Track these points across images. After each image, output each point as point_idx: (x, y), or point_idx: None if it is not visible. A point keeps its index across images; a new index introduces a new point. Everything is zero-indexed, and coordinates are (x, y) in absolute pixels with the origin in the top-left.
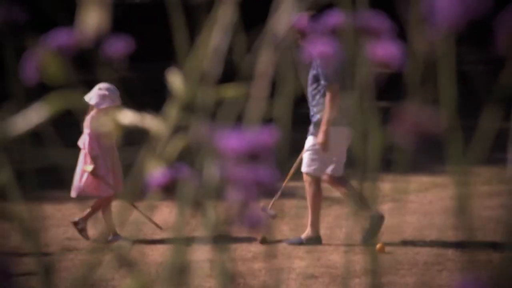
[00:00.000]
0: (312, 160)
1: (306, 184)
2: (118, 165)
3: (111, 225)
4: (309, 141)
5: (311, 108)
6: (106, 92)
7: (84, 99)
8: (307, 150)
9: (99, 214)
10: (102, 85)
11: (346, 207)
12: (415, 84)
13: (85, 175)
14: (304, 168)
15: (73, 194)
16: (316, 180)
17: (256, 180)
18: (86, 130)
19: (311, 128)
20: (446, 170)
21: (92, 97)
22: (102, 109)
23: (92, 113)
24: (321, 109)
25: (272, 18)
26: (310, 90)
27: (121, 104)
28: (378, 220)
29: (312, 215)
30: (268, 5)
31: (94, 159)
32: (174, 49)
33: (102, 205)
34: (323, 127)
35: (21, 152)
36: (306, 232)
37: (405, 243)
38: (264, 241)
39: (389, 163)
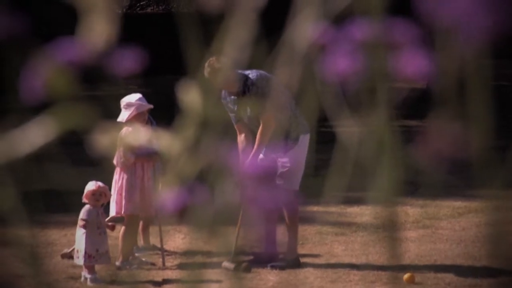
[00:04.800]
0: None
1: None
2: (150, 185)
3: (127, 249)
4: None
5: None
6: (129, 101)
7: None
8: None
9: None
10: (124, 98)
11: (372, 233)
12: (445, 101)
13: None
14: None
15: (112, 212)
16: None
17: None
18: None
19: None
20: (480, 194)
21: (120, 116)
22: (130, 120)
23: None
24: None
25: (292, 28)
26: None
27: (150, 108)
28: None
29: (294, 235)
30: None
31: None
32: (186, 63)
33: (128, 228)
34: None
35: (26, 172)
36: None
37: (436, 272)
38: (247, 269)
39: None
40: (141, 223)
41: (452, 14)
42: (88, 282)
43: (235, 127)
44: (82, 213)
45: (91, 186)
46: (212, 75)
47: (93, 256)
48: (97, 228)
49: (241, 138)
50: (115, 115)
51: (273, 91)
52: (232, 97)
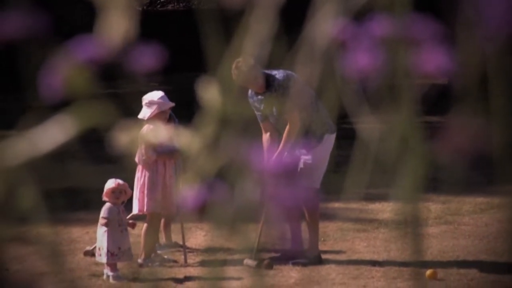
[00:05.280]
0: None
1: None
2: (172, 183)
3: (149, 246)
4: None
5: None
6: (151, 99)
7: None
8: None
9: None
10: (146, 95)
11: (394, 229)
12: (466, 97)
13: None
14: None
15: (135, 210)
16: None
17: (293, 200)
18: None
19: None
20: (502, 190)
21: (141, 113)
22: (152, 118)
23: (145, 126)
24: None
25: (311, 25)
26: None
27: (172, 106)
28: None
29: (315, 232)
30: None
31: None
32: (206, 60)
33: (150, 225)
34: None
35: (47, 171)
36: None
37: (459, 268)
38: (269, 266)
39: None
40: (162, 221)
41: (474, 9)
42: (111, 280)
43: (261, 125)
44: (103, 211)
45: (110, 184)
46: (239, 77)
47: (115, 253)
48: (118, 225)
49: (266, 136)
50: (135, 113)
51: (299, 90)
52: (259, 96)
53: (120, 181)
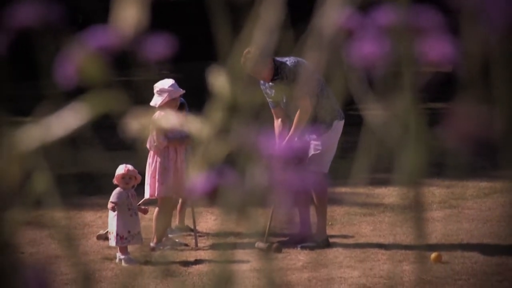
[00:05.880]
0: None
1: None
2: (182, 167)
3: (161, 230)
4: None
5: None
6: (162, 87)
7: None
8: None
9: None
10: (157, 83)
11: (399, 213)
12: (470, 84)
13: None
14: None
15: (147, 195)
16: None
17: (302, 185)
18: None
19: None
20: (505, 175)
21: (153, 100)
22: (163, 106)
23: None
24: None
25: (319, 14)
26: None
27: (182, 94)
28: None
29: (323, 216)
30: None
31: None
32: (217, 49)
33: (161, 210)
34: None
35: (59, 156)
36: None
37: (463, 252)
38: (278, 250)
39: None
40: (179, 205)
41: None
42: (123, 263)
43: (272, 112)
44: (112, 196)
45: (120, 170)
46: (248, 66)
47: (125, 237)
48: (127, 209)
49: (278, 122)
50: (147, 100)
51: (308, 77)
52: (270, 83)
53: (130, 167)
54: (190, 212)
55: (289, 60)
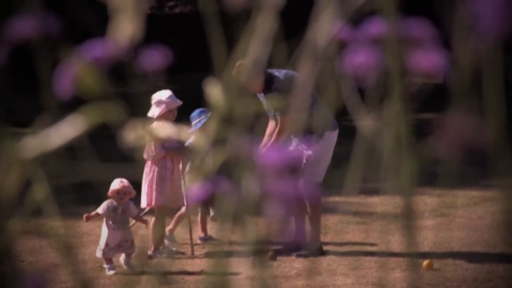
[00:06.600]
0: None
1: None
2: (178, 177)
3: (158, 239)
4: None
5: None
6: (160, 98)
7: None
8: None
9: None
10: (155, 95)
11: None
12: (460, 95)
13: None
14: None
15: (143, 204)
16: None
17: (297, 194)
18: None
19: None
20: (495, 184)
21: (150, 111)
22: (161, 117)
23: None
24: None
25: (312, 27)
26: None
27: (179, 105)
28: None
29: (317, 224)
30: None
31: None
32: (212, 60)
33: (158, 219)
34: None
35: (57, 167)
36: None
37: (454, 259)
38: (273, 258)
39: (435, 177)
40: (177, 215)
41: (468, 10)
42: (106, 272)
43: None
44: (100, 207)
45: (115, 185)
46: (240, 79)
47: (103, 249)
48: (111, 222)
49: (268, 131)
50: (144, 111)
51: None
52: (262, 94)
53: (126, 183)
54: (186, 221)
55: (279, 73)
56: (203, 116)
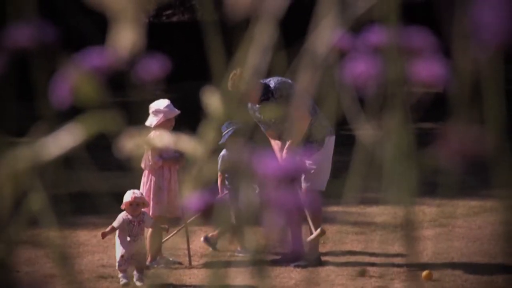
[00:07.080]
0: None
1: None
2: (176, 187)
3: (155, 249)
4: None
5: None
6: (158, 108)
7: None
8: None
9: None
10: (153, 104)
11: (391, 232)
12: (461, 104)
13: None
14: (311, 186)
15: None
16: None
17: (296, 203)
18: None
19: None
20: (495, 194)
21: (148, 120)
22: (158, 126)
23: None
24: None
25: (312, 36)
26: None
27: (177, 114)
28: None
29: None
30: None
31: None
32: (211, 69)
33: (155, 229)
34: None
35: (54, 176)
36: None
37: (453, 270)
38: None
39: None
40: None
41: (468, 19)
42: (120, 281)
43: (267, 134)
44: (116, 220)
45: (127, 197)
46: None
47: (119, 261)
48: (127, 236)
49: (274, 143)
50: (142, 120)
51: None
52: (257, 105)
53: (137, 194)
54: (184, 230)
55: (272, 80)
56: (230, 128)
